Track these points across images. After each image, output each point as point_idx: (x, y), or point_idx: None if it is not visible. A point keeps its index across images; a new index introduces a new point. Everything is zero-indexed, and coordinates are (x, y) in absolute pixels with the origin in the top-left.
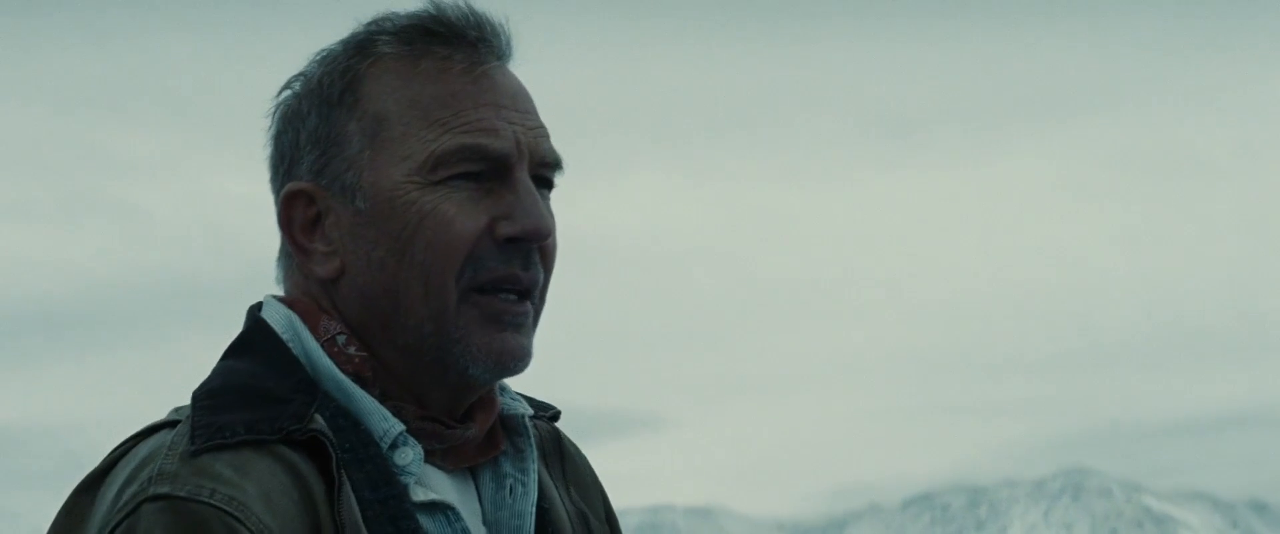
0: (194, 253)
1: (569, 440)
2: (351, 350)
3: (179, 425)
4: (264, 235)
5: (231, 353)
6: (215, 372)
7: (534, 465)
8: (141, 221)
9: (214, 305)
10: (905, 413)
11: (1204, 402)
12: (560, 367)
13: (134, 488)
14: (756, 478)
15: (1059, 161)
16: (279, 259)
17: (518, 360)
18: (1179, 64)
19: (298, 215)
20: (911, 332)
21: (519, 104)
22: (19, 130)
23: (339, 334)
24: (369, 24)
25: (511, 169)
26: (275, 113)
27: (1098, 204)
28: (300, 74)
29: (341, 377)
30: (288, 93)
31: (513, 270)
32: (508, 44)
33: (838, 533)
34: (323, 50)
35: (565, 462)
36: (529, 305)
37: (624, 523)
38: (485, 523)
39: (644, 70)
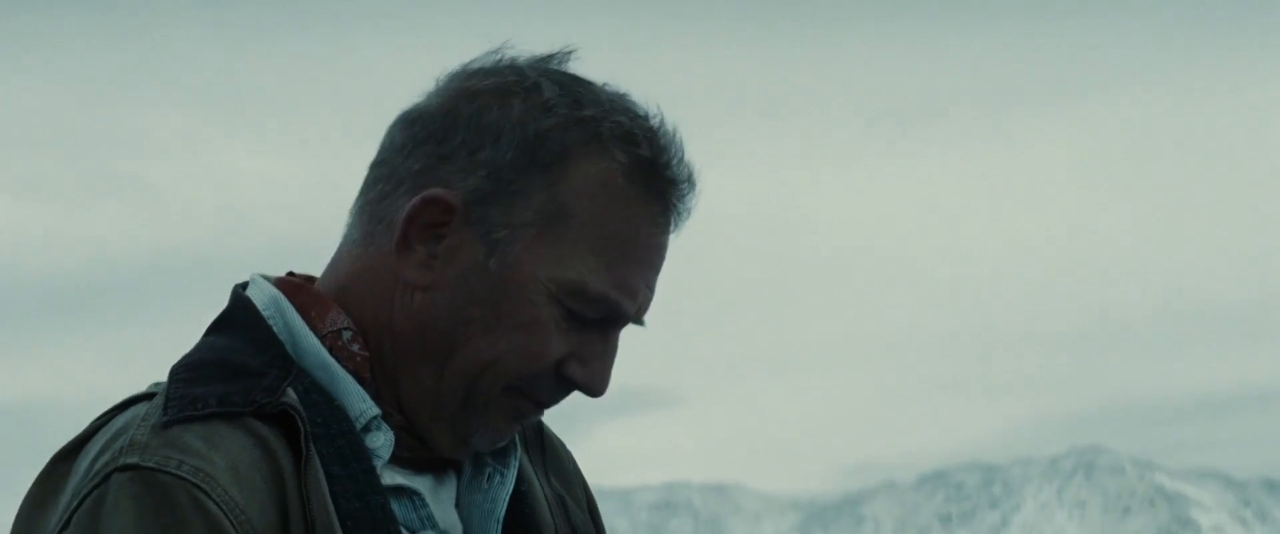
0: (208, 230)
1: (552, 433)
2: (355, 348)
3: (154, 397)
4: (278, 213)
5: (213, 329)
6: (195, 347)
7: (515, 459)
8: (156, 199)
9: (227, 283)
10: (919, 391)
11: (1217, 381)
12: None
13: (106, 458)
14: (772, 455)
15: (1072, 143)
16: (359, 215)
17: (506, 440)
18: (1192, 45)
19: (426, 216)
20: (926, 311)
21: (659, 266)
22: (34, 108)
23: (345, 329)
24: (613, 110)
25: (617, 325)
26: (475, 98)
27: (1111, 185)
28: (523, 86)
29: (328, 358)
30: (500, 97)
31: (551, 399)
32: (693, 208)
33: (852, 510)
34: (557, 89)
35: (546, 451)
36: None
37: (639, 500)
38: (458, 505)
39: (661, 53)
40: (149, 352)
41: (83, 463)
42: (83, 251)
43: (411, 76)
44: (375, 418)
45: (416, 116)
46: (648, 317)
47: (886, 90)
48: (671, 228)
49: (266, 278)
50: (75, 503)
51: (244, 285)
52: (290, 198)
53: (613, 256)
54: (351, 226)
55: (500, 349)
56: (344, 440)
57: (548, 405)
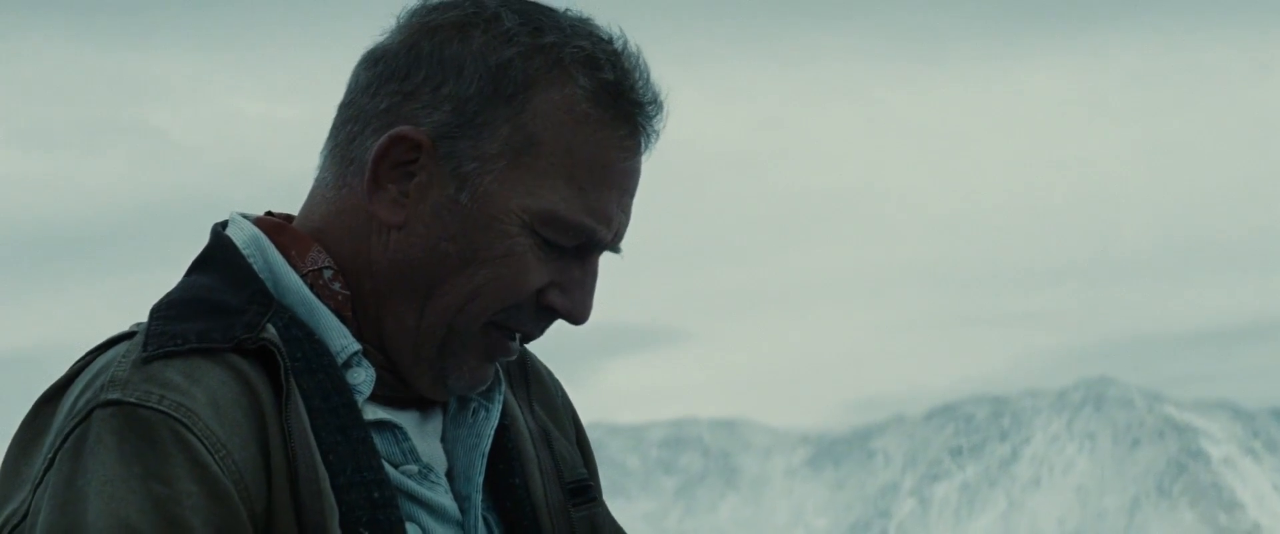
0: (214, 175)
1: (538, 362)
2: (337, 287)
3: (136, 335)
4: (281, 156)
5: (193, 268)
6: (176, 286)
7: (500, 395)
8: (161, 144)
9: None
10: (928, 325)
11: (1224, 312)
12: None
13: (88, 396)
14: (781, 390)
15: (1078, 75)
16: (330, 158)
17: (484, 385)
18: None
19: (394, 154)
20: (934, 244)
21: (634, 191)
22: (38, 55)
23: (326, 268)
24: (574, 35)
25: (594, 251)
26: (435, 33)
27: (1117, 117)
28: (483, 18)
29: (309, 295)
30: (460, 30)
31: (535, 330)
32: (661, 130)
33: (862, 444)
34: (517, 19)
35: (531, 382)
36: (518, 347)
37: (649, 436)
38: (444, 439)
39: None
40: (156, 295)
41: (66, 403)
42: (88, 198)
43: None
44: (356, 353)
45: (380, 55)
46: (625, 244)
47: (890, 23)
48: (641, 150)
49: (246, 216)
50: (58, 441)
51: (223, 224)
52: (296, 141)
53: (584, 182)
54: (323, 169)
55: (478, 282)
56: (325, 375)
57: (529, 337)
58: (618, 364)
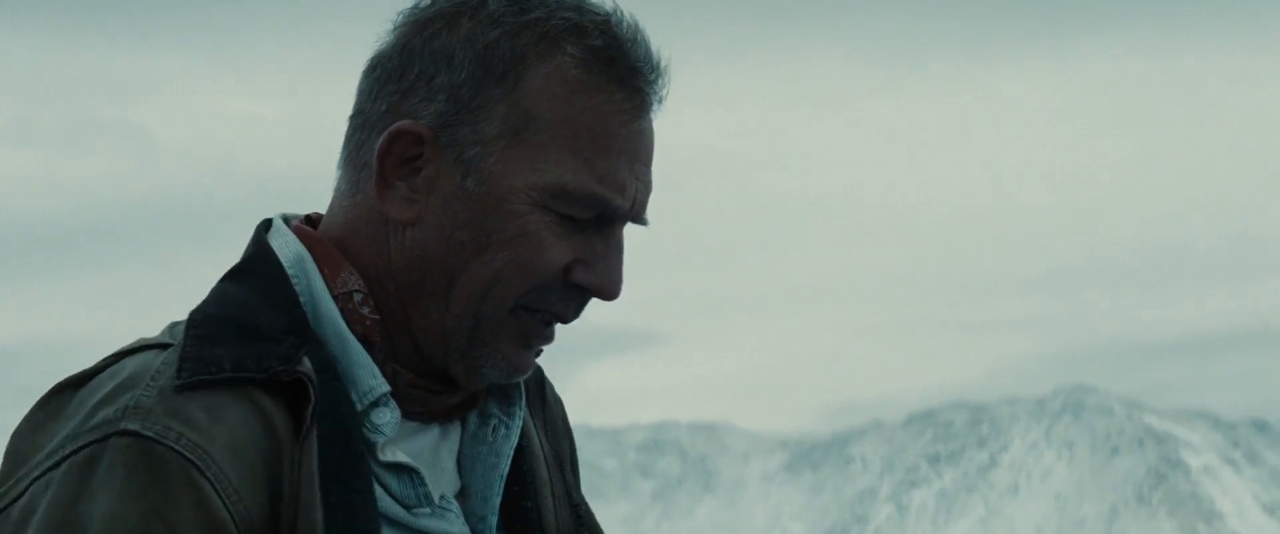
0: (196, 174)
1: (550, 386)
2: (365, 311)
3: (169, 351)
4: (266, 156)
5: (232, 276)
6: (213, 295)
7: (521, 412)
8: (144, 143)
9: (215, 225)
10: (907, 331)
11: (1204, 321)
12: None
13: (109, 412)
14: (760, 394)
15: (1058, 85)
16: (344, 168)
17: (525, 373)
18: None
19: (398, 150)
20: (914, 251)
21: (648, 159)
22: (21, 54)
23: (356, 291)
24: (561, 8)
25: (615, 222)
26: (424, 28)
27: (1096, 125)
28: (469, 5)
29: (343, 328)
30: (448, 21)
31: (568, 310)
32: (665, 96)
33: (840, 449)
34: (503, 1)
35: (546, 407)
36: (555, 331)
37: (627, 439)
38: (461, 456)
39: None
40: (138, 294)
41: (86, 398)
42: (71, 196)
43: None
44: (384, 395)
45: (377, 61)
46: (649, 215)
47: (870, 31)
48: (644, 114)
49: (287, 221)
50: (70, 449)
51: (267, 225)
52: (279, 140)
53: (588, 152)
54: (340, 179)
55: (496, 267)
56: (339, 423)
57: (564, 318)
58: (596, 366)
